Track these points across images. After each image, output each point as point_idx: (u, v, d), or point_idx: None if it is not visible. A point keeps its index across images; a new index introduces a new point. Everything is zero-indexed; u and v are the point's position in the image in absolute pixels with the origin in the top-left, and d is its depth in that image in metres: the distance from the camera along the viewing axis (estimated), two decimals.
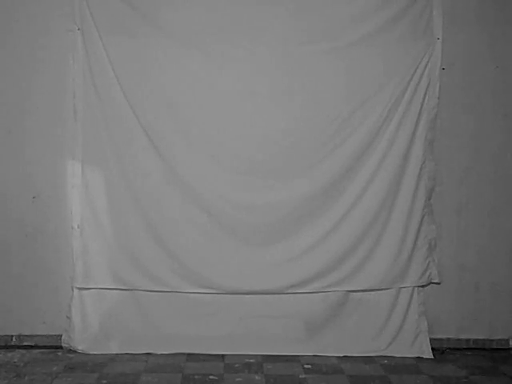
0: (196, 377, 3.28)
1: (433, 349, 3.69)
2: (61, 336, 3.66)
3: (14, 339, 3.71)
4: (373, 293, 3.73)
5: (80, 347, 3.61)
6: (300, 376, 3.33)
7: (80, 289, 3.65)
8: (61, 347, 3.65)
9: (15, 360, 3.50)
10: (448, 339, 3.82)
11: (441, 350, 3.77)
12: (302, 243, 3.69)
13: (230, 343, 3.65)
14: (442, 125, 3.72)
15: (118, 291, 3.67)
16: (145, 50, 3.58)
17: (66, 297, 3.66)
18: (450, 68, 3.70)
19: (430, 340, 3.71)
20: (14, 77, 3.61)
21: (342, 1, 3.65)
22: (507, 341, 3.85)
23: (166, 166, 3.63)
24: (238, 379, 3.26)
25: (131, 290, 3.67)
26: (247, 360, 3.54)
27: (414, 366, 3.53)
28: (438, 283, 3.78)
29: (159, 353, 3.60)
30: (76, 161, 3.63)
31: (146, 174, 3.63)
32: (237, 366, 3.46)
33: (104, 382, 3.19)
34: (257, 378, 3.29)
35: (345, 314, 3.72)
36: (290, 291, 3.70)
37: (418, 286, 3.76)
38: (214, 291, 3.68)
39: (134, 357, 3.55)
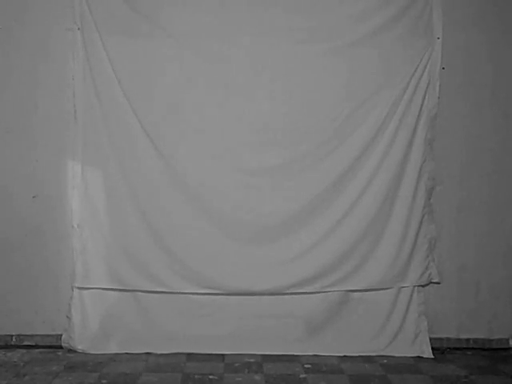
0: (196, 376, 3.28)
1: (433, 348, 3.69)
2: (61, 336, 3.66)
3: (13, 339, 3.71)
4: (373, 292, 3.73)
5: (80, 347, 3.61)
6: (300, 376, 3.33)
7: (80, 288, 3.65)
8: (61, 347, 3.65)
9: (15, 360, 3.50)
10: (448, 339, 3.82)
11: (441, 349, 3.77)
12: (302, 243, 3.69)
13: (230, 343, 3.65)
14: (442, 125, 3.72)
15: (117, 291, 3.67)
16: (145, 50, 3.58)
17: (66, 296, 3.66)
18: (450, 68, 3.70)
19: (430, 339, 3.71)
20: (14, 76, 3.61)
21: (342, 1, 3.65)
22: (507, 340, 3.85)
23: (166, 166, 3.63)
24: (237, 379, 3.26)
25: (131, 290, 3.67)
26: (247, 360, 3.54)
27: (413, 365, 3.53)
28: (438, 283, 3.78)
29: (159, 353, 3.60)
30: (76, 161, 3.62)
31: (146, 174, 3.63)
32: (237, 365, 3.46)
33: (104, 381, 3.19)
34: (257, 377, 3.29)
35: (345, 313, 3.72)
36: (290, 291, 3.69)
37: (418, 286, 3.76)
38: (214, 291, 3.68)
39: (133, 357, 3.55)
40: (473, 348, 3.82)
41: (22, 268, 3.67)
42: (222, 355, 3.59)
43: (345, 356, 3.62)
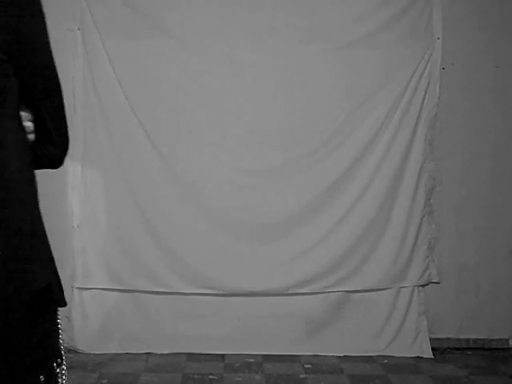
0: (196, 376, 3.28)
1: (433, 348, 3.69)
2: None
3: None
4: (373, 293, 3.73)
5: (80, 347, 3.61)
6: (300, 376, 3.32)
7: (80, 289, 3.65)
8: None
9: None
10: (448, 339, 3.82)
11: (441, 349, 3.77)
12: (302, 243, 3.68)
13: (230, 343, 3.65)
14: (442, 125, 3.71)
15: (117, 291, 3.66)
16: (145, 50, 3.58)
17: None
18: (450, 68, 3.70)
19: (430, 340, 3.71)
20: None
21: (342, 1, 3.65)
22: (507, 341, 3.84)
23: (167, 166, 3.63)
24: (238, 379, 3.27)
25: (131, 290, 3.67)
26: (247, 360, 3.54)
27: (413, 365, 3.53)
28: (438, 283, 3.78)
29: (159, 353, 3.60)
30: (76, 161, 3.62)
31: (146, 174, 3.62)
32: (237, 365, 3.46)
33: (104, 381, 3.19)
34: (257, 377, 3.29)
35: (345, 313, 3.72)
36: (290, 291, 3.69)
37: (418, 286, 3.76)
38: (214, 292, 3.67)
39: (134, 357, 3.55)
40: (473, 348, 3.81)
41: None
42: (222, 355, 3.59)
43: (345, 356, 3.62)
